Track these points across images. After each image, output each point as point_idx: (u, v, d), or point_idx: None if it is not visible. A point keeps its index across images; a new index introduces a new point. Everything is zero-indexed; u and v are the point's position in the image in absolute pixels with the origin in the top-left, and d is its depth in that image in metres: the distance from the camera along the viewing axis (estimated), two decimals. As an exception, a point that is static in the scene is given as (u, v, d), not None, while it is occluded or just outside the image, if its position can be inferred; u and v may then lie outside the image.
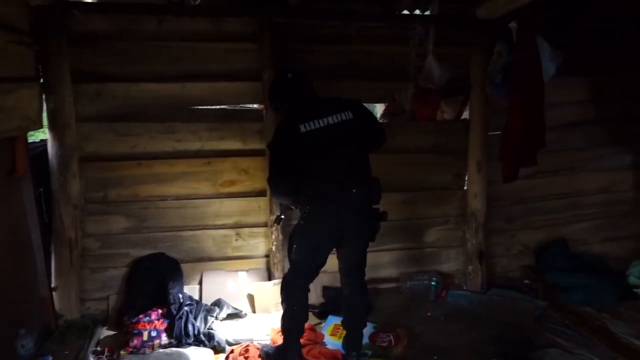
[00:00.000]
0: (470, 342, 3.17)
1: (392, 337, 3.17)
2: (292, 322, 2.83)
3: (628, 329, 3.30)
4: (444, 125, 3.97)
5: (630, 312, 3.58)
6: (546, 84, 3.41)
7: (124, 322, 3.20)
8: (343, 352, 2.96)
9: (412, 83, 3.69)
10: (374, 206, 2.80)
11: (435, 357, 3.00)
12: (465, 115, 4.00)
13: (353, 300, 2.90)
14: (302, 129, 2.60)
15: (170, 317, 3.15)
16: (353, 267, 2.88)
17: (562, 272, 3.94)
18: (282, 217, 3.03)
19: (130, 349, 2.93)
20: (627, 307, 3.65)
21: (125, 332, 3.10)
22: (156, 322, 3.12)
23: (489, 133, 3.83)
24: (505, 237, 4.18)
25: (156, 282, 3.38)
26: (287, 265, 3.64)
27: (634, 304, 3.70)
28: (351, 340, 2.91)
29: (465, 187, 4.01)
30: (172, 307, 3.18)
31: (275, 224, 3.06)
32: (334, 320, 3.27)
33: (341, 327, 3.09)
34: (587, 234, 4.36)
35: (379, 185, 2.79)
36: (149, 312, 3.18)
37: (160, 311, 3.20)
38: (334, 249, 2.83)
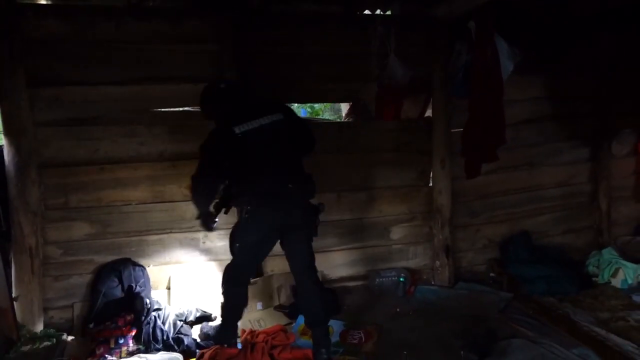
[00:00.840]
0: (438, 336, 3.23)
1: (362, 334, 3.20)
2: (233, 311, 2.99)
3: (588, 317, 3.42)
4: (407, 123, 4.02)
5: (590, 300, 3.73)
6: (504, 82, 3.51)
7: (89, 330, 3.14)
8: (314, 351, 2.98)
9: (375, 82, 3.73)
10: (310, 200, 2.91)
11: (405, 352, 3.03)
12: (429, 113, 4.07)
13: (308, 298, 2.97)
14: (237, 130, 2.70)
15: (137, 323, 3.11)
16: (300, 264, 2.95)
17: (525, 264, 4.05)
18: (217, 220, 3.02)
19: (97, 357, 2.87)
20: (586, 296, 3.79)
21: (91, 340, 3.03)
22: (123, 328, 3.07)
23: (452, 130, 3.91)
24: (470, 231, 4.27)
25: (122, 288, 3.33)
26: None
27: (593, 293, 3.85)
28: (317, 337, 2.94)
29: (430, 184, 4.08)
30: (139, 313, 3.13)
31: (209, 230, 3.06)
32: (304, 320, 3.27)
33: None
34: (548, 226, 4.50)
35: (312, 181, 2.90)
36: (116, 318, 3.13)
37: (127, 318, 3.14)
38: (281, 249, 2.95)
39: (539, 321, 3.38)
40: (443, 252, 4.02)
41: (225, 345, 2.94)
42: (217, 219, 3.01)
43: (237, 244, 2.87)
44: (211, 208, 2.98)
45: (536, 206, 4.45)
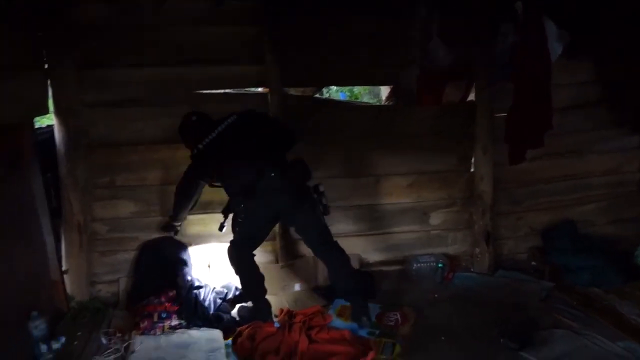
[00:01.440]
0: (476, 323, 3.18)
1: (398, 317, 3.20)
2: (252, 285, 3.16)
3: (636, 310, 3.28)
4: (449, 108, 3.94)
5: (638, 292, 3.58)
6: (552, 65, 3.38)
7: (134, 304, 3.25)
8: (353, 328, 3.05)
9: (417, 65, 3.66)
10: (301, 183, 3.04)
11: (443, 338, 3.01)
12: (471, 97, 3.97)
13: (331, 267, 3.16)
14: (200, 146, 3.02)
15: (179, 299, 3.19)
16: (314, 238, 3.15)
17: (569, 254, 3.92)
18: (225, 224, 3.23)
19: (141, 330, 2.96)
20: (634, 288, 3.62)
21: (136, 314, 3.13)
22: (166, 304, 3.15)
23: (495, 115, 3.80)
24: (511, 219, 4.17)
25: (165, 266, 3.42)
26: (292, 249, 3.71)
27: (641, 285, 3.70)
28: (355, 307, 3.10)
29: (471, 170, 4.00)
30: (181, 290, 3.22)
31: (219, 231, 3.26)
32: (340, 302, 3.30)
33: (348, 308, 3.17)
34: (594, 215, 4.34)
35: (301, 166, 3.02)
36: (159, 294, 3.21)
37: (170, 294, 3.22)
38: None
39: (583, 312, 3.28)
40: (483, 239, 3.95)
41: (261, 322, 3.02)
42: (225, 224, 3.21)
43: (237, 228, 3.09)
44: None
45: (582, 195, 4.29)
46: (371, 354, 2.74)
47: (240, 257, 3.13)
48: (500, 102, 3.73)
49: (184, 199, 3.25)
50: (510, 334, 2.91)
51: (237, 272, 3.17)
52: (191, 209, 3.35)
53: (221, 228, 3.24)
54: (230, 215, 3.18)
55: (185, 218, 3.43)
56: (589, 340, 2.93)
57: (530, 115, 3.38)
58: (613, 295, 3.51)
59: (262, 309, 3.15)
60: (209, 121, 3.14)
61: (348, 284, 3.13)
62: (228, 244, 3.16)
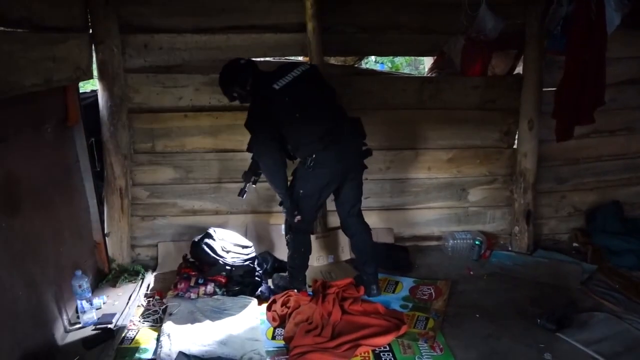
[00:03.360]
0: (513, 301, 3.14)
1: (432, 290, 3.19)
2: (299, 260, 3.13)
3: (682, 296, 3.18)
4: (494, 80, 3.79)
5: (684, 278, 3.44)
6: (609, 37, 3.18)
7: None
8: (385, 301, 3.07)
9: (463, 35, 3.52)
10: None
11: (477, 315, 2.98)
12: (519, 70, 3.80)
13: (361, 238, 3.16)
14: (277, 86, 2.79)
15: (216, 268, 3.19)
16: (354, 206, 3.11)
17: (613, 236, 3.79)
18: (246, 190, 3.12)
19: (177, 292, 3.03)
20: (681, 273, 3.50)
21: (176, 274, 3.20)
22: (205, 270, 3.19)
23: (543, 89, 3.64)
24: (554, 198, 4.04)
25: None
26: (326, 221, 3.70)
27: (690, 271, 3.54)
28: (369, 274, 3.14)
29: (514, 146, 3.87)
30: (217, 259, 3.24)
31: (240, 197, 3.15)
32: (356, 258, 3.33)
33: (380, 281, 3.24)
34: (644, 197, 4.16)
35: (361, 123, 2.99)
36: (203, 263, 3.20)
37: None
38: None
39: (626, 296, 3.17)
40: (523, 217, 3.84)
41: (296, 291, 3.05)
42: (247, 189, 3.11)
43: (301, 191, 2.93)
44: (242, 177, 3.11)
45: (632, 175, 4.11)
46: (404, 328, 2.74)
47: (301, 232, 3.08)
48: (549, 75, 3.58)
49: (280, 165, 2.89)
50: (547, 315, 2.85)
51: (288, 243, 3.13)
52: None
53: (242, 193, 3.14)
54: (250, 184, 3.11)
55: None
56: (631, 324, 2.84)
57: (581, 90, 3.21)
58: (659, 280, 3.38)
59: (299, 279, 3.18)
60: (256, 67, 2.96)
61: (368, 254, 3.16)
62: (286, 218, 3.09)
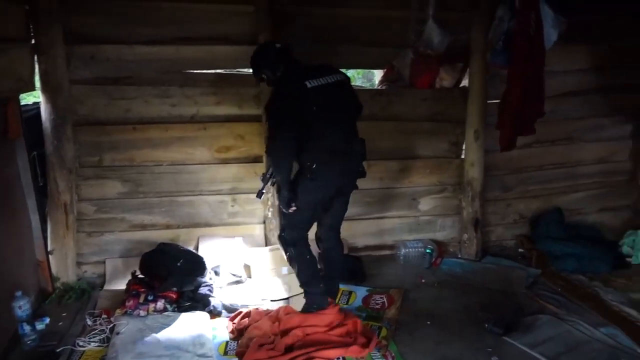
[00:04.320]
0: (462, 308, 3.22)
1: (385, 299, 3.23)
2: (309, 271, 2.99)
3: (619, 297, 3.35)
4: (442, 92, 3.92)
5: (622, 280, 3.63)
6: (547, 51, 3.36)
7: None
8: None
9: (411, 49, 3.62)
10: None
11: (428, 322, 3.04)
12: (465, 82, 3.94)
13: (335, 253, 3.11)
14: (309, 84, 2.67)
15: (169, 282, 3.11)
16: (336, 221, 3.07)
17: (556, 241, 3.97)
18: (264, 191, 3.00)
19: (125, 309, 2.94)
20: (618, 276, 3.69)
21: (124, 291, 3.11)
22: (155, 285, 3.12)
23: (488, 101, 3.78)
24: (501, 206, 4.19)
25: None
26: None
27: (626, 273, 3.75)
28: (333, 287, 3.12)
29: (462, 156, 4.00)
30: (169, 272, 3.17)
31: (257, 198, 3.01)
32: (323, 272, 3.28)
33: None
34: (583, 203, 4.38)
35: (365, 145, 2.92)
36: (153, 278, 3.13)
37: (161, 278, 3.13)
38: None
39: (568, 299, 3.33)
40: (472, 225, 3.96)
41: (317, 307, 2.94)
42: (264, 191, 3.00)
43: (300, 201, 2.79)
44: (260, 178, 3.00)
45: (572, 183, 4.32)
46: (366, 351, 2.66)
47: (302, 243, 2.96)
48: (493, 87, 3.73)
49: (290, 162, 2.76)
50: (495, 319, 2.94)
51: (293, 259, 2.97)
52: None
53: (260, 195, 2.96)
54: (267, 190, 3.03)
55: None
56: (572, 326, 2.97)
57: (523, 102, 3.37)
58: (598, 283, 3.57)
59: (321, 295, 2.99)
60: (295, 57, 2.88)
61: (338, 270, 3.15)
62: (279, 234, 3.02)
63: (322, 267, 3.13)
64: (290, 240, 2.93)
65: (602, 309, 3.18)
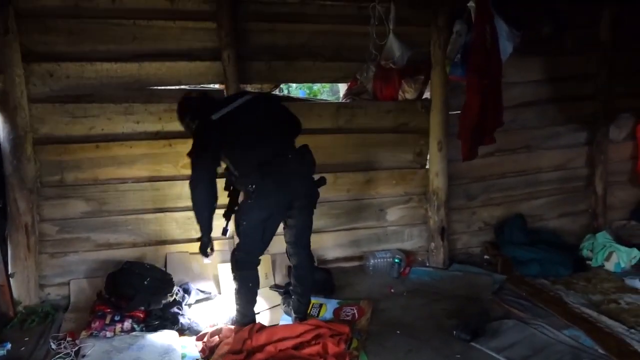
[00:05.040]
0: (431, 315, 3.27)
1: (355, 311, 3.24)
2: (247, 296, 2.97)
3: (580, 299, 3.46)
4: (405, 104, 4.00)
5: (583, 283, 3.76)
6: (503, 63, 3.48)
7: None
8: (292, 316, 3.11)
9: (374, 63, 3.70)
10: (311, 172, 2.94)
11: (398, 332, 3.07)
12: (427, 94, 4.04)
13: (304, 269, 3.07)
14: (214, 117, 2.74)
15: (136, 302, 3.07)
16: (302, 236, 3.02)
17: (519, 247, 4.08)
18: (228, 228, 3.01)
19: (90, 331, 2.88)
20: (579, 278, 3.82)
21: (89, 313, 3.05)
22: (122, 306, 3.06)
23: (450, 112, 3.89)
24: (466, 214, 4.29)
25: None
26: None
27: (586, 275, 3.88)
28: (301, 305, 3.10)
29: (427, 166, 4.08)
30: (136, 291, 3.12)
31: (223, 235, 3.01)
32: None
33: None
34: (544, 209, 4.52)
35: (309, 151, 2.90)
36: (118, 297, 3.07)
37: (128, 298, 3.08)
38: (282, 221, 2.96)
39: (532, 302, 3.41)
40: (438, 234, 4.03)
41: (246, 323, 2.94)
42: (228, 228, 2.99)
43: (244, 222, 2.81)
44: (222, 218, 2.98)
45: (533, 190, 4.46)
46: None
47: (248, 266, 2.92)
48: (455, 99, 3.83)
49: (210, 197, 2.78)
50: (462, 326, 2.99)
51: (234, 279, 2.94)
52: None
53: (224, 232, 2.98)
54: (231, 222, 2.99)
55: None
56: (537, 329, 3.04)
57: (482, 113, 3.46)
58: (560, 286, 3.68)
59: (248, 317, 3.00)
60: (211, 98, 2.99)
61: (308, 287, 3.13)
62: (233, 250, 2.98)
63: (293, 282, 3.14)
64: (240, 261, 2.90)
65: (564, 312, 3.26)
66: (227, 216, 3.00)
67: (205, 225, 2.82)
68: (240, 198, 3.00)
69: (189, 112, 2.92)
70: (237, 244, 2.94)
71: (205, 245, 2.88)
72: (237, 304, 3.00)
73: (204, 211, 2.80)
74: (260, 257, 2.99)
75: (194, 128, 2.87)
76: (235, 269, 2.92)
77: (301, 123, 3.01)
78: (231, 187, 2.97)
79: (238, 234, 2.90)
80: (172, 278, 3.27)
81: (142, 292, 3.05)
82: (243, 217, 2.83)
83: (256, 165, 2.72)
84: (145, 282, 3.09)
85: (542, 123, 4.37)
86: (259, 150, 2.76)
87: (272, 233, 2.89)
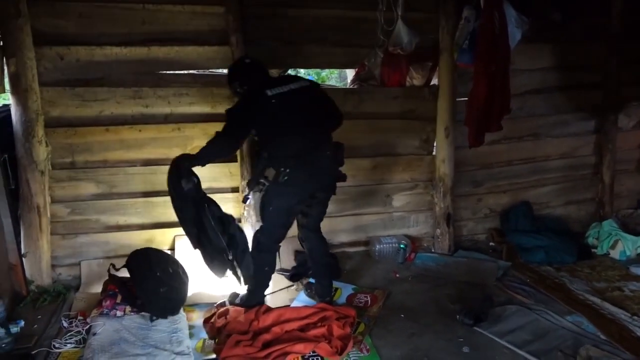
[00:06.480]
0: (435, 300, 3.31)
1: (369, 298, 3.29)
2: (261, 279, 3.08)
3: (584, 286, 3.48)
4: (412, 91, 4.00)
5: (587, 270, 3.78)
6: (512, 50, 3.46)
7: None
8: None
9: (381, 49, 3.69)
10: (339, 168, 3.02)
11: (402, 315, 3.12)
12: (434, 81, 4.04)
13: (318, 249, 3.18)
14: (269, 92, 2.78)
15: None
16: (316, 223, 3.16)
17: (524, 234, 4.09)
18: (249, 197, 3.10)
19: (101, 310, 2.93)
20: (584, 266, 3.84)
21: (101, 291, 3.10)
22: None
23: (457, 99, 3.88)
24: (471, 201, 4.30)
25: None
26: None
27: (591, 263, 3.90)
28: (325, 287, 3.18)
29: (433, 153, 4.09)
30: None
31: (243, 203, 3.12)
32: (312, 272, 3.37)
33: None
34: (550, 197, 4.52)
35: (343, 149, 3.01)
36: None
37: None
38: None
39: (536, 289, 3.44)
40: (444, 220, 4.05)
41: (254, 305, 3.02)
42: (250, 197, 3.11)
43: (271, 208, 2.91)
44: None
45: (539, 177, 4.46)
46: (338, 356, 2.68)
47: (268, 252, 3.03)
48: (462, 85, 3.82)
49: (221, 154, 2.92)
50: (465, 311, 3.03)
51: (253, 260, 2.99)
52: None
53: (245, 200, 3.19)
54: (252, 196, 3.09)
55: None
56: (540, 315, 3.08)
57: (489, 100, 3.46)
58: (564, 273, 3.71)
59: (258, 299, 3.09)
60: (265, 70, 3.02)
61: (324, 266, 3.21)
62: (256, 232, 3.07)
63: (310, 265, 3.27)
64: (263, 243, 3.00)
65: (568, 298, 3.30)
66: (250, 185, 3.05)
67: (202, 160, 2.83)
68: (267, 174, 3.01)
69: (240, 76, 2.98)
70: (261, 227, 3.04)
71: (186, 170, 2.80)
72: (248, 285, 3.07)
73: (210, 156, 2.86)
74: (280, 244, 3.10)
75: (241, 93, 2.94)
76: (255, 249, 3.01)
77: (342, 116, 3.08)
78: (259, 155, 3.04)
79: (262, 217, 3.00)
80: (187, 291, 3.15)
81: (153, 302, 2.92)
82: (271, 201, 2.90)
83: (293, 152, 2.80)
84: (162, 290, 2.92)
85: (550, 111, 4.35)
86: (299, 138, 2.82)
87: (293, 221, 3.03)
